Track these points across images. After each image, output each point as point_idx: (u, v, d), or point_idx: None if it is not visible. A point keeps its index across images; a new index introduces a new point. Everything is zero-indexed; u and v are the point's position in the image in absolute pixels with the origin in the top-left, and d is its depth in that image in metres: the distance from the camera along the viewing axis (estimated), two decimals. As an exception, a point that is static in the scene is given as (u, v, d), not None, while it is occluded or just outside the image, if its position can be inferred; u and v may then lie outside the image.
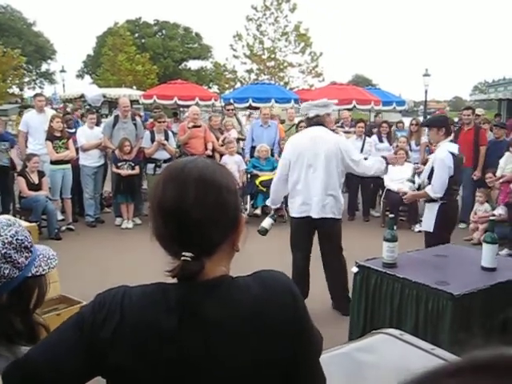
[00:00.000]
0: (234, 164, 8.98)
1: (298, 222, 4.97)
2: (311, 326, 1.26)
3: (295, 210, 4.95)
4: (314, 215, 4.83)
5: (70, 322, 1.19)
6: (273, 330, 1.17)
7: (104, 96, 18.97)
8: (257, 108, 13.81)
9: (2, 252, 1.35)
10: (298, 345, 1.20)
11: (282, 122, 11.15)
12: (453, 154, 4.81)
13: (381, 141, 9.57)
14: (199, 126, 8.97)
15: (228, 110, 10.24)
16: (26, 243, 1.42)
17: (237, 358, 1.14)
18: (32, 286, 1.43)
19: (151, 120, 10.59)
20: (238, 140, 9.73)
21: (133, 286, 1.21)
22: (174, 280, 1.18)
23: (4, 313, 1.37)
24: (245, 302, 1.17)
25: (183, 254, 1.12)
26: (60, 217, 8.41)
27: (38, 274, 1.44)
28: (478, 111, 10.81)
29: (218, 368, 1.13)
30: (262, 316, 1.16)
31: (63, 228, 8.21)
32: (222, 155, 9.14)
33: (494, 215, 7.20)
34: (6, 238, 1.37)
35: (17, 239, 1.40)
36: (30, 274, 1.42)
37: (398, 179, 8.59)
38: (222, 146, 9.21)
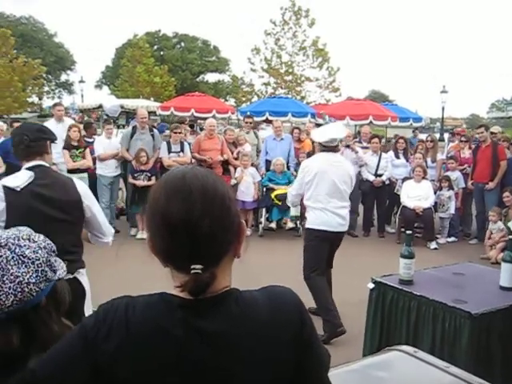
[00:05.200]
0: (249, 176, 8.99)
1: (323, 237, 4.90)
2: (318, 343, 1.26)
3: (326, 224, 4.90)
4: (340, 229, 5.01)
5: (72, 335, 1.17)
6: (279, 347, 1.15)
7: (122, 107, 19.13)
8: (270, 121, 13.85)
9: (45, 256, 1.40)
10: (304, 362, 1.19)
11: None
12: None
13: (397, 157, 9.52)
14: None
15: (246, 122, 10.27)
16: (53, 247, 1.46)
17: (244, 373, 1.12)
18: (60, 288, 1.46)
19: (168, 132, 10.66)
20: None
21: (136, 296, 1.18)
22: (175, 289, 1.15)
23: (44, 315, 1.40)
24: (251, 318, 1.15)
25: (193, 267, 1.09)
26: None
27: (61, 276, 1.47)
28: (495, 129, 10.72)
29: (224, 380, 1.11)
30: (269, 331, 1.15)
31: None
32: (236, 168, 9.17)
33: (510, 233, 7.13)
34: (41, 243, 1.41)
35: (48, 243, 1.44)
36: (57, 277, 1.45)
37: (414, 196, 8.55)
38: (236, 159, 9.24)
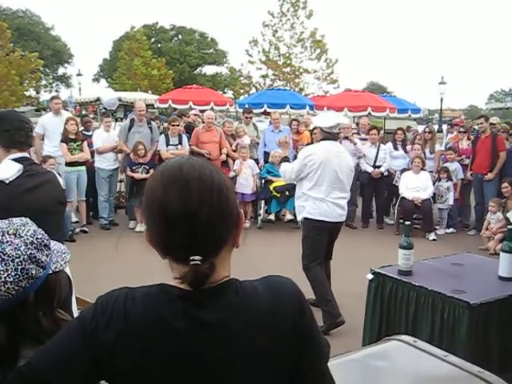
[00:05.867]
0: (248, 168, 8.99)
1: (322, 227, 4.91)
2: (318, 333, 1.26)
3: (326, 215, 4.89)
4: (339, 219, 5.02)
5: (71, 327, 1.16)
6: (279, 337, 1.15)
7: (119, 100, 19.07)
8: (269, 113, 13.86)
9: (28, 253, 1.34)
10: (304, 351, 1.19)
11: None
12: None
13: (396, 148, 9.52)
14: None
15: (246, 117, 10.28)
16: (45, 241, 1.42)
17: (243, 364, 1.13)
18: (54, 282, 1.43)
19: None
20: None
21: (134, 287, 1.17)
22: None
23: (32, 311, 1.36)
24: (251, 308, 1.15)
25: (192, 258, 1.08)
26: (74, 219, 8.45)
27: (56, 269, 1.44)
28: (494, 119, 10.75)
29: (223, 371, 1.12)
30: (269, 321, 1.15)
31: (77, 230, 8.25)
32: (234, 160, 9.17)
33: (509, 223, 7.14)
34: (28, 239, 1.36)
35: (37, 238, 1.39)
36: (50, 271, 1.41)
37: (413, 187, 8.55)
38: (234, 151, 9.24)
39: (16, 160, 2.78)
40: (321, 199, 4.88)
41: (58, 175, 3.11)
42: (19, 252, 1.33)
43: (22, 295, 1.33)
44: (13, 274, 1.31)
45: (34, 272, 1.35)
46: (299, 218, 5.17)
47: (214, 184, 1.13)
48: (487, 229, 8.02)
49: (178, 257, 1.13)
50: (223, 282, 1.16)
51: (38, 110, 32.63)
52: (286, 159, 5.36)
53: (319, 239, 4.95)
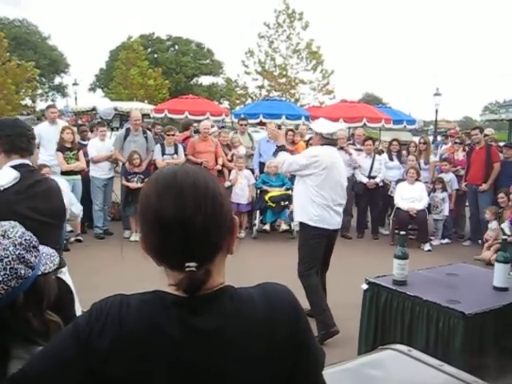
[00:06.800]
0: (244, 178, 8.99)
1: (321, 235, 4.90)
2: (313, 342, 1.25)
3: (326, 222, 4.89)
4: (338, 227, 5.07)
5: (65, 334, 1.15)
6: (275, 345, 1.15)
7: (115, 109, 19.12)
8: (264, 124, 13.89)
9: (17, 253, 1.37)
10: (300, 360, 1.19)
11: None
12: None
13: (391, 159, 9.55)
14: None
15: (241, 125, 10.29)
16: (34, 242, 1.45)
17: (238, 371, 1.12)
18: (43, 283, 1.45)
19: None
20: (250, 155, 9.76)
21: (129, 294, 1.17)
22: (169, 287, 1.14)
23: (22, 312, 1.38)
24: (247, 315, 1.15)
25: (187, 264, 1.08)
26: (69, 228, 8.41)
27: (46, 271, 1.47)
28: (488, 131, 10.81)
29: (219, 379, 1.11)
30: (265, 329, 1.15)
31: (72, 239, 8.22)
32: (230, 170, 9.18)
33: (504, 234, 7.16)
34: (16, 240, 1.40)
35: (25, 239, 1.42)
36: (39, 273, 1.44)
37: (408, 198, 8.57)
38: (230, 161, 9.25)
39: (15, 167, 2.77)
40: (323, 206, 4.86)
41: (61, 181, 3.09)
42: (8, 252, 1.36)
43: (12, 295, 1.36)
44: (2, 273, 1.33)
45: (22, 272, 1.37)
46: (299, 217, 5.04)
47: (208, 191, 1.13)
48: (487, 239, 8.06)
49: (173, 263, 1.13)
50: (218, 288, 1.15)
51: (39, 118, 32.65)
52: (283, 148, 5.15)
53: (317, 247, 4.92)
